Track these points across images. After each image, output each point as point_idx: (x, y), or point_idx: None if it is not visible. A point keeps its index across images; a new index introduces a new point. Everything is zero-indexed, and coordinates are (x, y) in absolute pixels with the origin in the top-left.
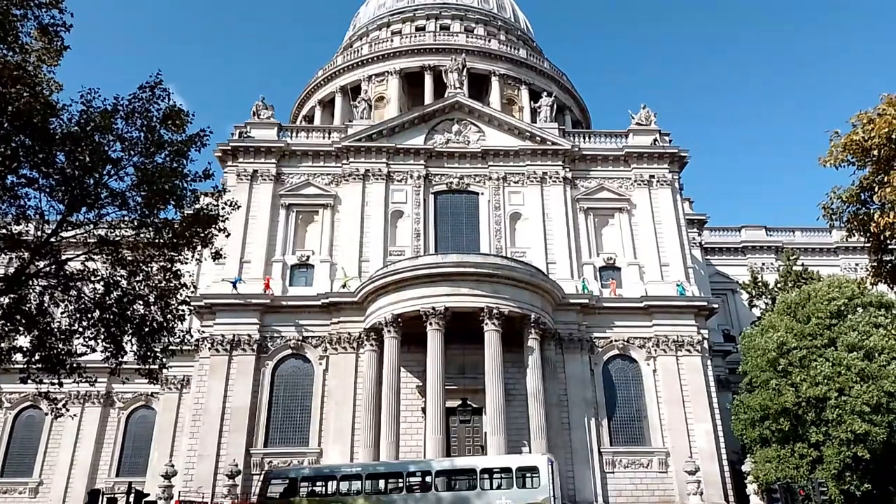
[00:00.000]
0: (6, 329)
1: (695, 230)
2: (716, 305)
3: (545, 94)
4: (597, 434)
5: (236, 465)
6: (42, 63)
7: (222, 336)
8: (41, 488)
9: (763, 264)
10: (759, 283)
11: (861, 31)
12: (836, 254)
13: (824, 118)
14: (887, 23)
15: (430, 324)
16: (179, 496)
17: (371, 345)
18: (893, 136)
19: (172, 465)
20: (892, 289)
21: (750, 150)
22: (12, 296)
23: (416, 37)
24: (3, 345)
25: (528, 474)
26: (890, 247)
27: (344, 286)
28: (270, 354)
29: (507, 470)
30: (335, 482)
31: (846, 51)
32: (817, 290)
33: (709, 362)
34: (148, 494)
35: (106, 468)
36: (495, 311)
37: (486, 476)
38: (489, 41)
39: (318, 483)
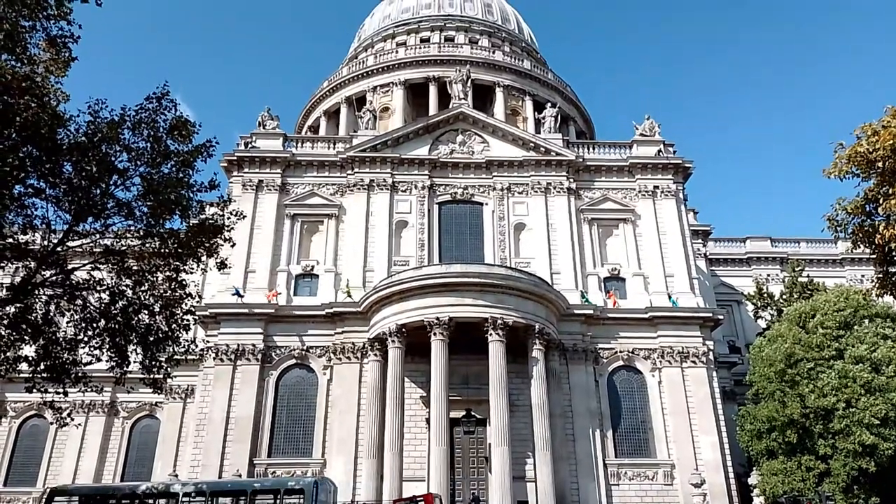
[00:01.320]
0: (12, 338)
1: (699, 241)
2: (721, 316)
3: (549, 104)
4: (601, 445)
5: (240, 475)
6: (50, 74)
7: (227, 345)
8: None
9: (768, 275)
10: (765, 294)
11: (865, 33)
12: (842, 265)
13: (830, 125)
14: (892, 24)
15: (434, 334)
16: None
17: (375, 355)
18: None
19: (176, 475)
20: None
21: (755, 160)
22: (18, 305)
23: (420, 48)
24: (8, 354)
25: (295, 497)
26: None
27: (348, 295)
28: (275, 364)
29: (276, 492)
30: (115, 500)
31: (851, 53)
32: (825, 300)
33: (714, 373)
34: None
35: (110, 478)
36: (499, 321)
37: (257, 498)
38: (493, 52)
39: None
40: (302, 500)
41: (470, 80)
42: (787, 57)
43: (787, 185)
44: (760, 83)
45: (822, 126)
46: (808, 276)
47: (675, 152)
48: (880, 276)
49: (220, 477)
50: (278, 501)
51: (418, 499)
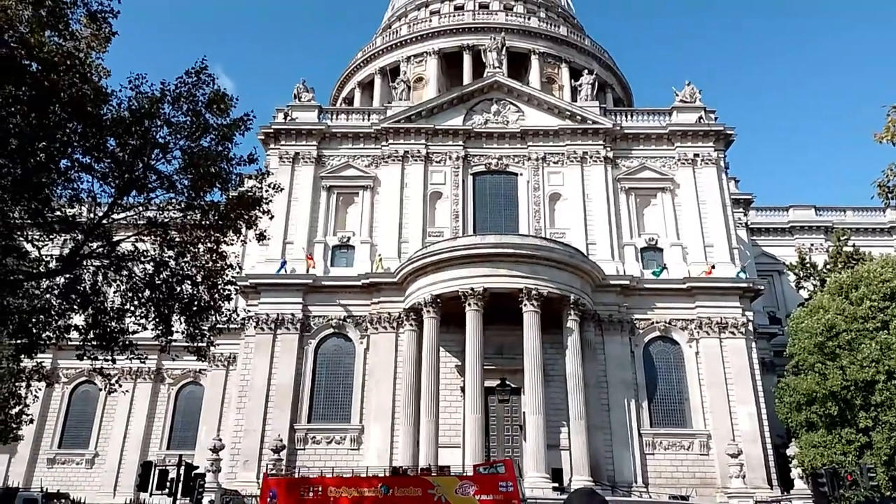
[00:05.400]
0: (62, 308)
1: (740, 210)
2: (761, 287)
3: (586, 71)
4: (637, 415)
5: (281, 440)
6: (91, 50)
7: (267, 315)
8: (97, 459)
9: (811, 245)
10: (807, 265)
11: None
12: (891, 234)
13: (878, 88)
14: None
15: (469, 304)
16: (267, 470)
17: (411, 325)
18: None
19: (220, 440)
20: None
21: (800, 126)
22: (68, 276)
23: (454, 16)
24: (59, 323)
25: None
26: None
27: (380, 264)
28: (313, 333)
29: None
30: None
31: None
32: (870, 270)
33: (753, 345)
34: (197, 467)
35: (157, 441)
36: (534, 292)
37: None
38: (529, 19)
39: None
40: None
41: (504, 48)
42: (830, 16)
43: (833, 151)
44: (803, 45)
45: (870, 89)
46: (853, 246)
47: (716, 119)
48: None
49: (262, 441)
50: None
51: (498, 463)
